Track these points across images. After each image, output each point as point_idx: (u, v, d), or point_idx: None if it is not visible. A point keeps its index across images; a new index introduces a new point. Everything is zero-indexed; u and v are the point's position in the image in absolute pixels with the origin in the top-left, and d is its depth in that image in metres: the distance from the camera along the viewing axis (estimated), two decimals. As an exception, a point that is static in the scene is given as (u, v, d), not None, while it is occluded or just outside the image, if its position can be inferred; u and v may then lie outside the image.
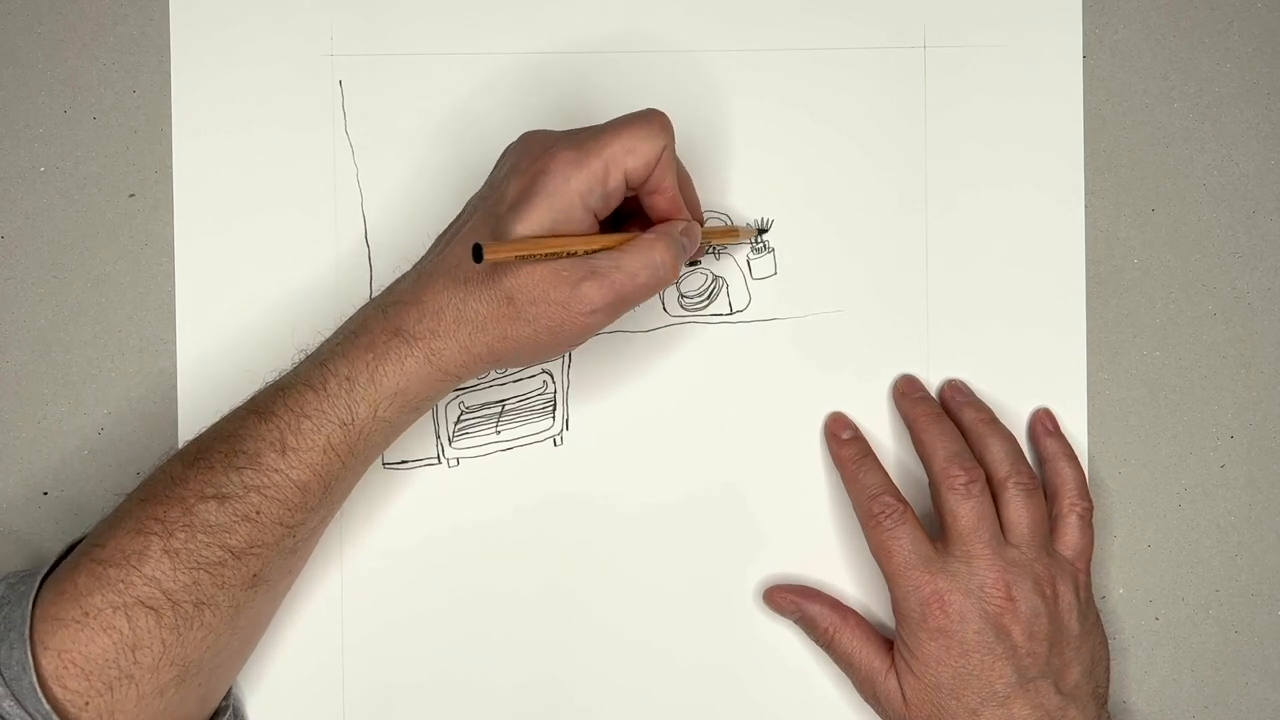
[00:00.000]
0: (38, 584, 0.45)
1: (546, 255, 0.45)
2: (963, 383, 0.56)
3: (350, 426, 0.46)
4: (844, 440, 0.55)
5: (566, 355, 0.55)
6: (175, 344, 0.55)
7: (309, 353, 0.48)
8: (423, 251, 0.50)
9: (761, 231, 0.55)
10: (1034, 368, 0.56)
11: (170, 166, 0.55)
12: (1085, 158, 0.56)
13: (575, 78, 0.56)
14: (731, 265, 0.56)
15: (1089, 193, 0.56)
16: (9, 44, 0.55)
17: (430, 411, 0.54)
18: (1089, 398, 0.56)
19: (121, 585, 0.44)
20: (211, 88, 0.55)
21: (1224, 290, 0.57)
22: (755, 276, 0.56)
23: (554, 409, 0.55)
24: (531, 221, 0.45)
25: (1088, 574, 0.53)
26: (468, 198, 0.51)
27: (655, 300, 0.55)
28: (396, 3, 0.56)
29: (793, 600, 0.54)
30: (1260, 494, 0.57)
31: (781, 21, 0.56)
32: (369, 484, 0.53)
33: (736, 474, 0.56)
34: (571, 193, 0.45)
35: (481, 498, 0.55)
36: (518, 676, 0.55)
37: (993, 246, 0.56)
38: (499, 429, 0.55)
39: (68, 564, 0.46)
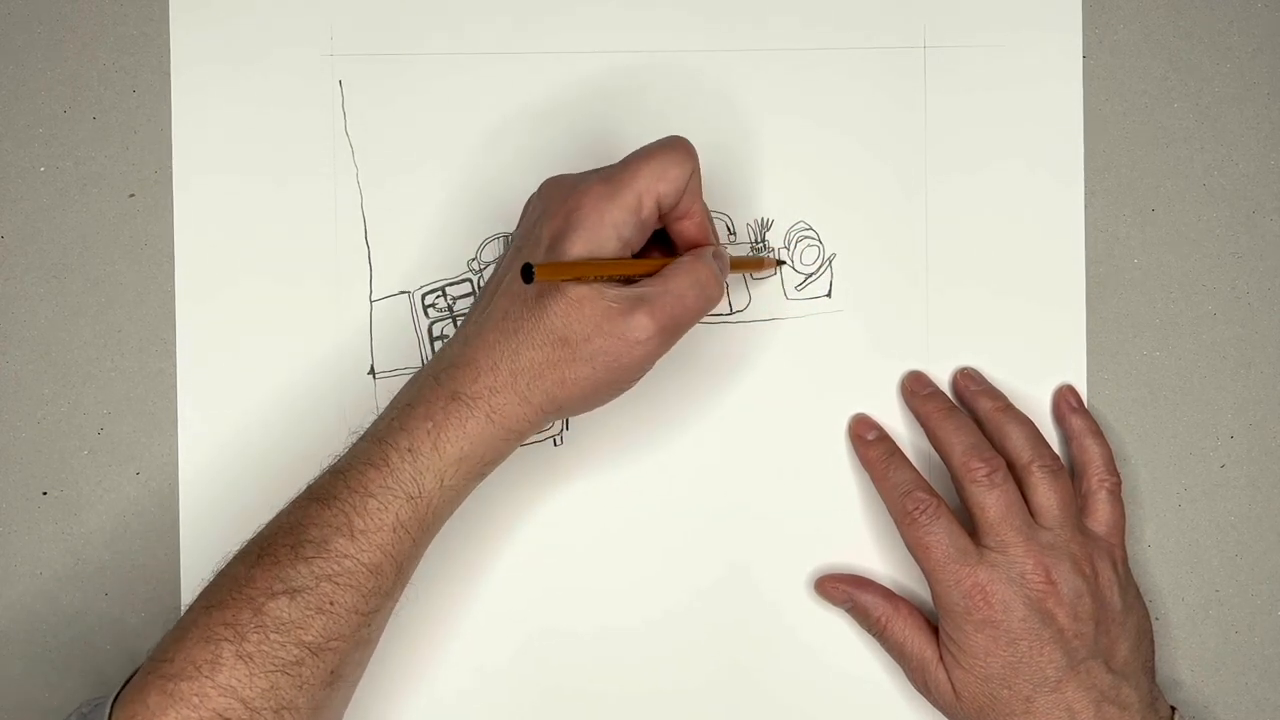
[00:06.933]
0: (108, 709, 0.43)
1: (595, 278, 0.45)
2: (975, 371, 0.56)
3: (418, 500, 0.45)
4: (870, 441, 0.54)
5: None
6: (175, 344, 0.55)
7: (360, 433, 0.47)
8: (422, 251, 0.50)
9: (780, 263, 0.56)
10: (1034, 368, 0.56)
11: (170, 166, 0.55)
12: (1085, 158, 0.56)
13: (574, 78, 0.56)
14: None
15: (1089, 193, 0.56)
16: (9, 44, 0.55)
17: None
18: (1089, 397, 0.56)
19: (196, 699, 0.42)
20: (211, 88, 0.55)
21: (1224, 290, 0.57)
22: (755, 276, 0.56)
23: (554, 409, 0.55)
24: (571, 256, 0.45)
25: (1123, 548, 0.53)
26: (467, 198, 0.51)
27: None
28: (396, 3, 0.56)
29: (844, 590, 0.54)
30: (1260, 494, 0.57)
31: (780, 22, 0.56)
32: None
33: (738, 473, 0.55)
34: (607, 225, 0.45)
35: (481, 498, 0.55)
36: (518, 677, 0.55)
37: (993, 246, 0.56)
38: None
39: (134, 685, 0.43)
